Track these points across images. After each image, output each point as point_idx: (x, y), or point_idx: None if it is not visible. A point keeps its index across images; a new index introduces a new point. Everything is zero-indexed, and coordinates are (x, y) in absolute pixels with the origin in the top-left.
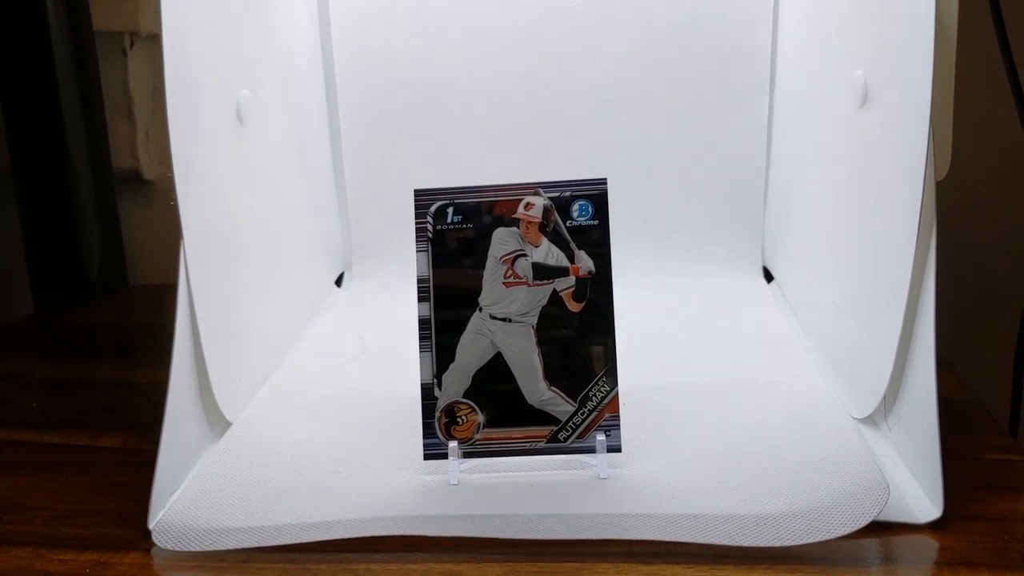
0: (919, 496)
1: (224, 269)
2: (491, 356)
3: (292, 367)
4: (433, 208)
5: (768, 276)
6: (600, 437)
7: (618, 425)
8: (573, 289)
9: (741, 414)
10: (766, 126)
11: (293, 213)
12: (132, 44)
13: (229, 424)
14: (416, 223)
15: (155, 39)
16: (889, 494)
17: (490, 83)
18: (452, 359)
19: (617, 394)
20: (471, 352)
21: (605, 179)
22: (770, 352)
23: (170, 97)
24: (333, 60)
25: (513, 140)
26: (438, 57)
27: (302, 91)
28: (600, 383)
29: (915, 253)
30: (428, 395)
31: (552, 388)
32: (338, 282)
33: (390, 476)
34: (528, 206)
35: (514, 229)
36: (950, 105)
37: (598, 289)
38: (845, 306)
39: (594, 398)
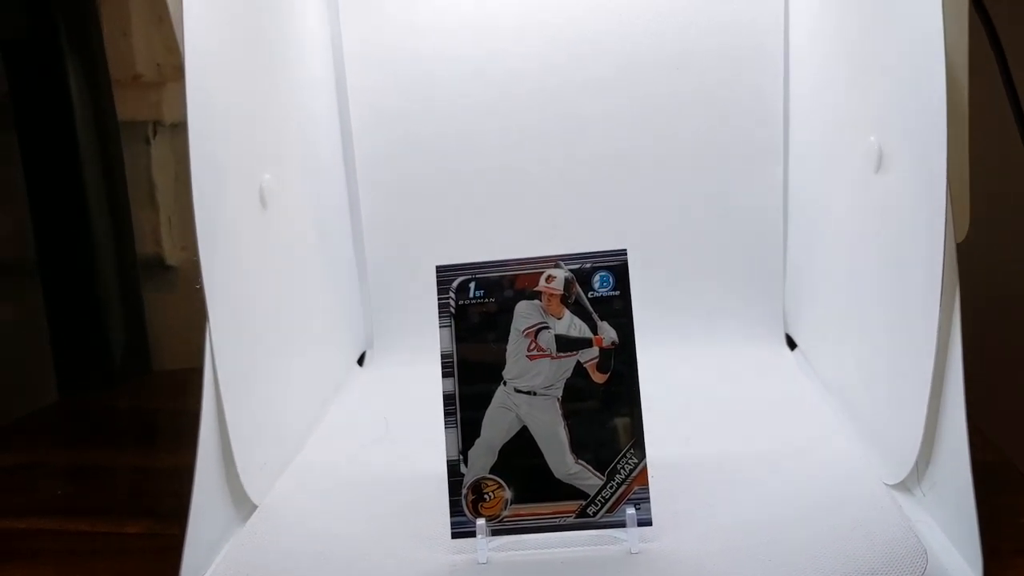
0: (958, 563)
1: (248, 352)
2: (517, 430)
3: (315, 449)
4: (455, 283)
5: (791, 343)
6: (630, 511)
7: (647, 498)
8: (597, 360)
9: (772, 483)
10: (782, 191)
11: (315, 294)
12: (155, 133)
13: (255, 507)
14: (439, 299)
15: (178, 128)
16: (927, 561)
17: (506, 155)
18: (478, 434)
19: (645, 466)
20: (497, 427)
21: (625, 250)
22: (798, 420)
23: (195, 182)
24: (352, 139)
25: (531, 211)
26: (455, 132)
27: (322, 172)
28: (628, 455)
29: (940, 316)
30: (454, 472)
31: (580, 462)
32: (360, 361)
33: (418, 558)
34: (549, 279)
35: (536, 302)
36: (966, 165)
37: (622, 359)
38: (872, 371)
39: (622, 471)
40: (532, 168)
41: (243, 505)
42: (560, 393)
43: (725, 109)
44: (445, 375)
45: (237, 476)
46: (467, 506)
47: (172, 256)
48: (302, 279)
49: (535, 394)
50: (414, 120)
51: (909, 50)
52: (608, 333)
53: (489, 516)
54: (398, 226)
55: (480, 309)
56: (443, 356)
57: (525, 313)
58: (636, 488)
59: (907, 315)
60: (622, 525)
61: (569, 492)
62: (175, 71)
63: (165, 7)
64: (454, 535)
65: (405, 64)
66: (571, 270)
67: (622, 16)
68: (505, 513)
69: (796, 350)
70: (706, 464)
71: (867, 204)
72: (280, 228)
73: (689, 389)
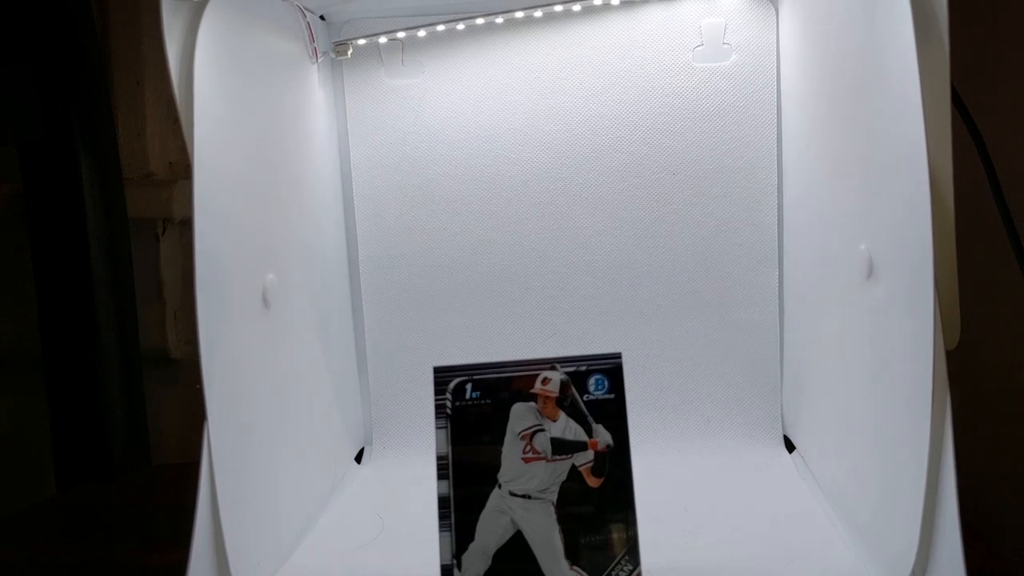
0: None
1: (245, 450)
2: (511, 535)
3: (311, 548)
4: (452, 385)
5: (789, 445)
6: None
7: None
8: (592, 464)
9: None
10: (777, 296)
11: (315, 391)
12: (164, 230)
13: None
14: (435, 400)
15: (187, 224)
16: None
17: (507, 261)
18: (472, 538)
19: (640, 574)
20: (491, 531)
21: (619, 354)
22: (795, 525)
23: (199, 281)
24: (356, 241)
25: (531, 315)
26: (457, 238)
27: (326, 273)
28: (623, 562)
29: (931, 424)
30: None
31: (575, 568)
32: (358, 458)
33: None
34: (545, 381)
35: (532, 404)
36: (954, 273)
37: (617, 463)
38: (866, 476)
39: None
40: (532, 274)
41: None
42: (555, 497)
43: (722, 218)
44: (440, 477)
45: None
46: None
47: (176, 350)
48: (302, 377)
49: (530, 497)
50: (417, 225)
51: (894, 159)
52: (603, 436)
53: None
54: (399, 326)
55: (476, 411)
56: (438, 458)
57: (521, 415)
58: None
59: (899, 422)
60: None
61: None
62: (186, 170)
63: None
64: None
65: (410, 171)
66: (567, 373)
67: (620, 126)
68: None
69: (794, 452)
70: (703, 571)
71: (859, 311)
72: (282, 328)
73: (685, 493)
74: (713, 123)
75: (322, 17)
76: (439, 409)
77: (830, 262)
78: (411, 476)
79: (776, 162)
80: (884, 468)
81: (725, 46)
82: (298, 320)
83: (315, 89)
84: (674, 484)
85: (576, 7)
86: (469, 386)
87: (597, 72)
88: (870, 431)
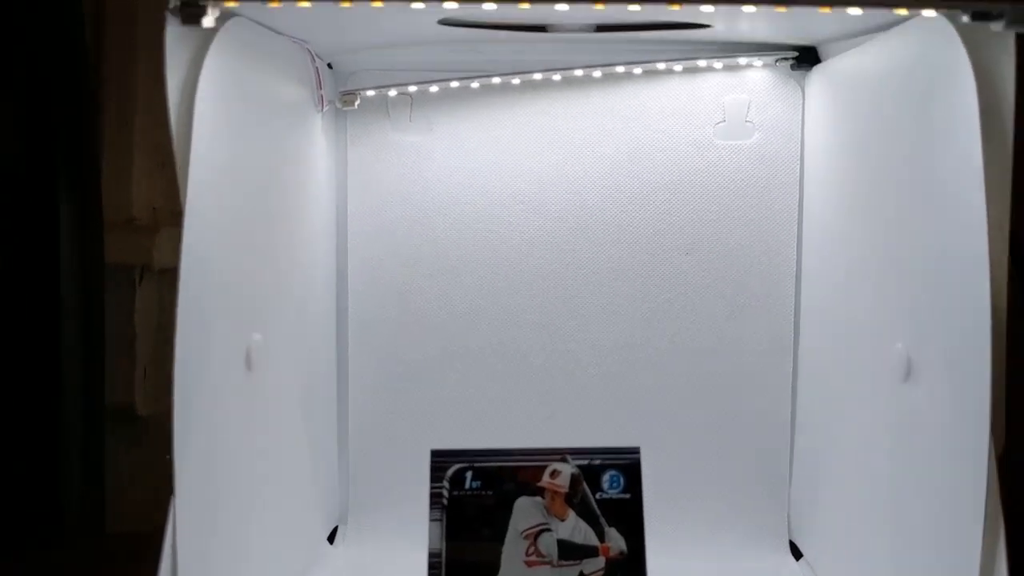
0: None
1: (212, 526)
2: None
3: None
4: (450, 472)
5: (795, 552)
6: None
7: None
8: (603, 572)
9: None
10: (790, 388)
11: (292, 465)
12: (142, 278)
13: None
14: (431, 487)
15: (166, 274)
16: None
17: (506, 338)
18: None
19: None
20: None
21: (638, 448)
22: None
23: (180, 336)
24: (348, 307)
25: (527, 393)
26: (454, 304)
27: (313, 333)
28: None
29: (983, 540)
30: None
31: None
32: (331, 538)
33: None
34: (555, 474)
35: (538, 499)
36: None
37: (631, 572)
38: None
39: None
40: (532, 350)
41: None
42: None
43: (735, 302)
44: None
45: None
46: None
47: (144, 407)
48: (280, 448)
49: None
50: (413, 290)
51: (947, 261)
52: (616, 542)
53: None
54: (387, 397)
55: (476, 503)
56: (431, 555)
57: (526, 511)
58: None
59: (942, 538)
60: None
61: None
62: (170, 216)
63: (170, 153)
64: None
65: (409, 232)
66: (579, 466)
67: (634, 200)
68: None
69: (802, 560)
70: None
71: (890, 413)
72: (264, 393)
73: None
74: (731, 202)
75: (329, 65)
76: (435, 498)
77: (857, 358)
78: (388, 565)
79: (796, 247)
80: None
81: (748, 123)
82: (281, 385)
83: (318, 138)
84: None
85: (596, 73)
86: (469, 474)
87: (614, 142)
88: (902, 546)
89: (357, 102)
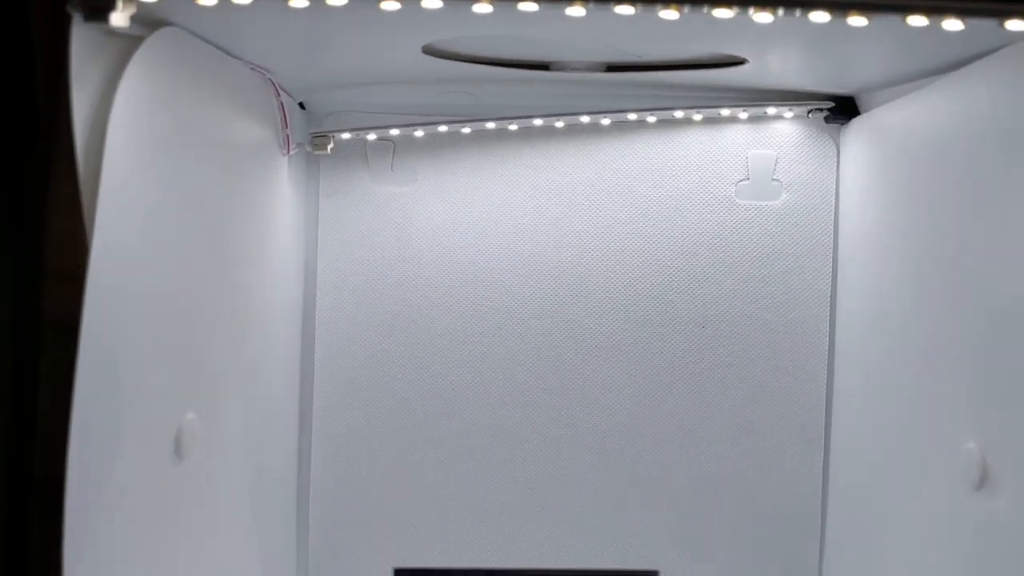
0: None
1: None
2: None
3: None
4: None
5: None
6: None
7: None
8: None
9: None
10: (821, 491)
11: (236, 568)
12: None
13: None
14: None
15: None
16: None
17: (494, 412)
18: None
19: None
20: None
21: (656, 572)
22: None
23: (75, 420)
24: (313, 375)
25: (517, 482)
26: (436, 379)
27: (269, 412)
28: None
29: None
30: None
31: None
32: None
33: None
34: None
35: None
36: None
37: None
38: None
39: None
40: (523, 432)
41: None
42: None
43: (757, 382)
44: None
45: None
46: None
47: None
48: (222, 552)
49: None
50: (389, 361)
51: None
52: None
53: None
54: (355, 486)
55: None
56: None
57: None
58: None
59: None
60: None
61: None
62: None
63: (75, 186)
64: None
65: (386, 295)
66: None
67: (644, 265)
68: None
69: None
70: None
71: (957, 526)
72: (199, 487)
73: None
74: (755, 270)
75: (302, 105)
76: None
77: (910, 460)
78: None
79: (828, 323)
80: None
81: (775, 183)
82: (225, 476)
83: (282, 186)
84: None
85: (605, 120)
86: None
87: (622, 199)
88: None
89: (330, 146)
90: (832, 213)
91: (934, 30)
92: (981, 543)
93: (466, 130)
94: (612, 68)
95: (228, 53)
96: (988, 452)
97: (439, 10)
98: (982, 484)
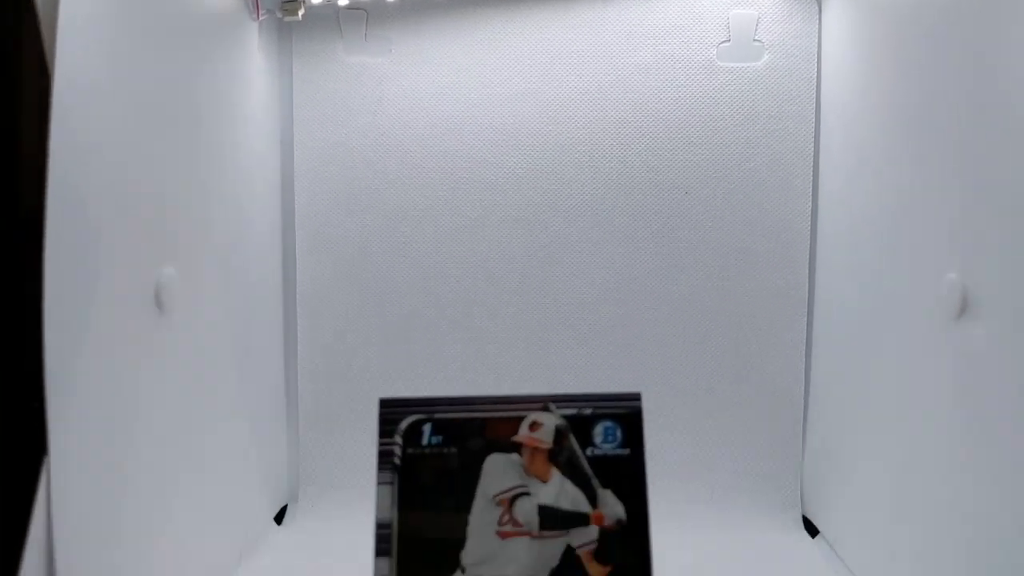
0: None
1: (111, 495)
2: None
3: None
4: (404, 425)
5: (810, 528)
6: None
7: None
8: (595, 546)
9: None
10: (804, 344)
11: (225, 430)
12: None
13: None
14: (380, 444)
15: None
16: None
17: (476, 287)
18: None
19: None
20: None
21: (638, 394)
22: None
23: (49, 262)
24: (295, 249)
25: (502, 355)
26: (416, 252)
27: (250, 277)
28: None
29: None
30: None
31: None
32: (279, 518)
33: None
34: (534, 426)
35: (514, 457)
36: None
37: (631, 546)
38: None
39: None
40: (507, 305)
41: None
42: None
43: (741, 246)
44: (379, 553)
45: None
46: None
47: None
48: (208, 408)
49: None
50: (369, 236)
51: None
52: (612, 507)
53: None
54: (341, 356)
55: (436, 463)
56: (378, 526)
57: (498, 472)
58: None
59: (1007, 500)
60: None
61: None
62: None
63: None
64: None
65: (364, 169)
66: (565, 416)
67: (625, 132)
68: None
69: (818, 537)
70: None
71: (940, 358)
72: (183, 340)
73: None
74: (737, 133)
75: None
76: (384, 457)
77: (893, 298)
78: (345, 545)
79: (811, 182)
80: (986, 565)
81: (756, 44)
82: (208, 332)
83: (252, 54)
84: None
85: None
86: (428, 427)
87: (601, 65)
88: (957, 514)
89: (301, 11)
90: (814, 73)
91: None
92: (961, 371)
93: None
94: None
95: None
96: (968, 282)
97: None
98: (961, 312)
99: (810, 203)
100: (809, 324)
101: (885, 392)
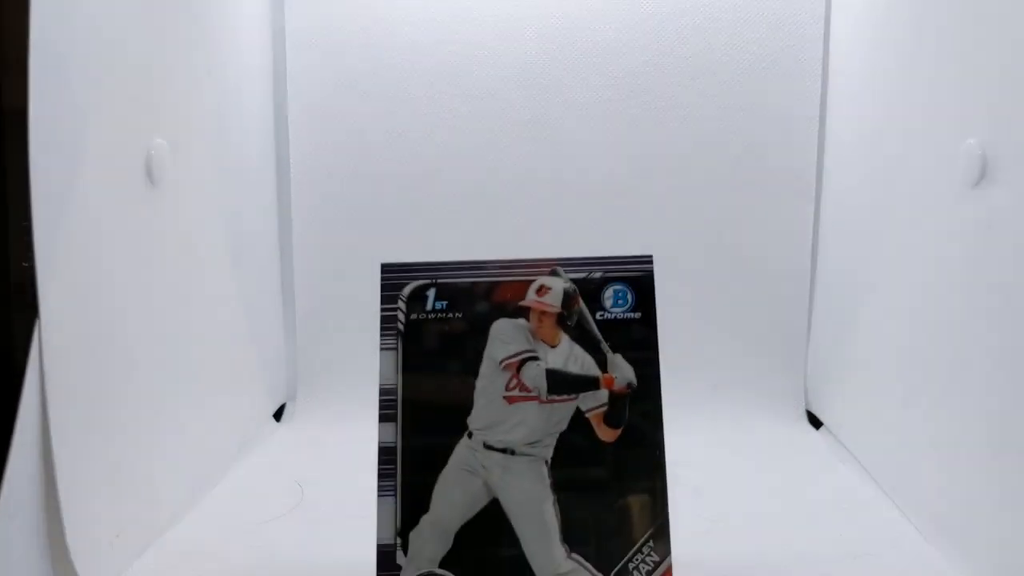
0: None
1: (102, 382)
2: (483, 505)
3: (198, 522)
4: (407, 290)
5: (813, 422)
6: None
7: None
8: (605, 409)
9: None
10: (812, 231)
11: (219, 316)
12: None
13: None
14: (382, 310)
15: None
16: None
17: (475, 178)
18: (426, 508)
19: (671, 567)
20: (455, 498)
21: (650, 257)
22: (846, 517)
23: (35, 134)
24: (288, 133)
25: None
26: (415, 142)
27: (243, 154)
28: (645, 551)
29: None
30: (387, 562)
31: (574, 556)
32: (277, 415)
33: None
34: (542, 290)
35: (522, 322)
36: None
37: (642, 410)
38: (955, 456)
39: (636, 573)
40: (509, 196)
41: None
42: (550, 454)
43: (749, 137)
44: (384, 419)
45: (66, 553)
46: None
47: None
48: (199, 291)
49: (513, 453)
50: (366, 126)
51: None
52: (623, 371)
53: None
54: (341, 236)
55: (441, 327)
56: (383, 392)
57: (505, 336)
58: None
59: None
60: None
61: None
62: None
63: None
64: None
65: (360, 54)
66: (573, 280)
67: (632, 19)
68: None
69: (822, 429)
70: (742, 570)
71: (954, 228)
72: (175, 215)
73: (702, 472)
74: (745, 12)
75: None
76: (387, 323)
77: (907, 168)
78: (345, 441)
79: (822, 64)
80: (987, 442)
81: None
82: (199, 208)
83: None
84: (681, 462)
85: None
86: (432, 293)
87: None
88: (965, 392)
89: None
90: None
91: None
92: (979, 242)
93: None
94: None
95: None
96: (989, 147)
97: None
98: (980, 179)
99: (819, 84)
100: (817, 204)
101: (895, 271)
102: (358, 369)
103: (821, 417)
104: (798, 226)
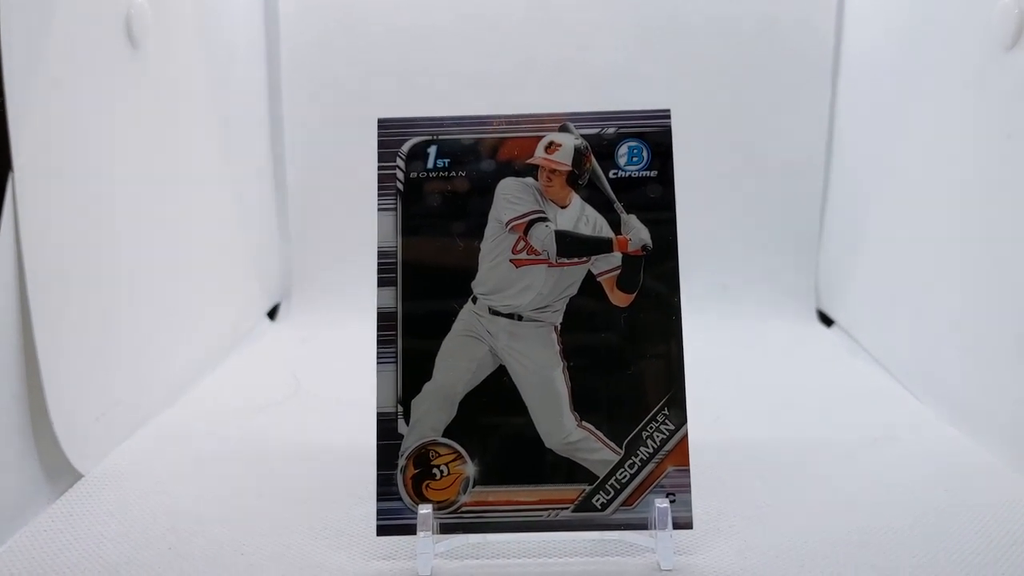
0: None
1: (85, 264)
2: (489, 372)
3: (189, 408)
4: (406, 147)
5: (825, 321)
6: (661, 503)
7: (688, 486)
8: (619, 272)
9: (857, 479)
10: (828, 114)
11: (206, 195)
12: None
13: (80, 476)
14: (379, 168)
15: None
16: None
17: (478, 62)
18: (428, 375)
19: (686, 436)
20: (459, 365)
21: (668, 111)
22: (865, 405)
23: None
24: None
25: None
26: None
27: (230, 27)
28: (660, 419)
29: None
30: (388, 431)
31: (584, 425)
32: (272, 315)
33: (320, 561)
34: (552, 147)
35: (529, 180)
36: None
37: (657, 273)
38: (976, 338)
39: (650, 442)
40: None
41: (61, 470)
42: (559, 319)
43: (761, 13)
44: (382, 283)
45: (51, 429)
46: (405, 485)
47: None
48: (186, 165)
49: (521, 318)
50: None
51: None
52: (637, 232)
53: (439, 502)
54: (335, 126)
55: (443, 186)
56: (381, 254)
57: (512, 196)
58: (670, 469)
59: None
60: (645, 526)
61: (566, 471)
62: None
63: None
64: (381, 530)
65: None
66: (585, 136)
67: None
68: (464, 499)
69: (834, 327)
70: (759, 453)
71: (984, 97)
72: (156, 84)
73: (711, 366)
74: None
75: None
76: (385, 182)
77: (933, 34)
78: (342, 340)
79: None
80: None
81: None
82: (185, 73)
83: None
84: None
85: None
86: (433, 150)
87: None
88: (990, 278)
89: None
90: None
91: None
92: (1010, 110)
93: None
94: None
95: None
96: None
97: None
98: (1016, 40)
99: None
100: (834, 88)
101: (916, 148)
102: (356, 265)
103: (833, 316)
104: (814, 105)
